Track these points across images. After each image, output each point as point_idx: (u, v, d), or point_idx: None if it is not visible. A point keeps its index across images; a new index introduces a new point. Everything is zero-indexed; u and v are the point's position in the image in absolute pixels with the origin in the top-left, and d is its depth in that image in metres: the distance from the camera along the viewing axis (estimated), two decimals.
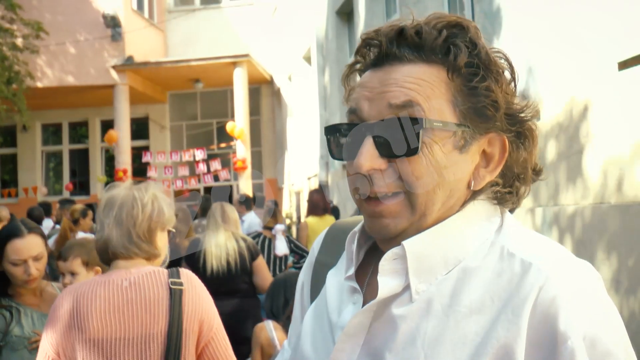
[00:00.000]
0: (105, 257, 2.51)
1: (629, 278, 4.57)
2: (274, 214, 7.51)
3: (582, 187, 5.11)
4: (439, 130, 1.05)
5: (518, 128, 1.11)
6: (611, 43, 4.69)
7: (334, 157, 1.18)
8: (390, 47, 1.10)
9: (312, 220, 8.00)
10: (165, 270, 2.51)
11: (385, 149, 1.06)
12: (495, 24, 6.38)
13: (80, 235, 7.65)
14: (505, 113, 1.09)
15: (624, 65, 4.57)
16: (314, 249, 1.40)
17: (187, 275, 2.53)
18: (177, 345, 2.38)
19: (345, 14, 13.14)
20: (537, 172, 1.19)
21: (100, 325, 2.33)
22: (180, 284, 2.46)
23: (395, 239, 1.10)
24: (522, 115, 1.12)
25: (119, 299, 2.38)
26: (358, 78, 1.19)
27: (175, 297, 2.42)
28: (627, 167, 4.56)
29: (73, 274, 3.57)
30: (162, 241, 2.60)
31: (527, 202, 5.94)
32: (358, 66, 1.19)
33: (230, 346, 2.60)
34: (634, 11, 4.51)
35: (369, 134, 1.08)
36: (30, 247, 3.18)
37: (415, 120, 1.04)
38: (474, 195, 1.12)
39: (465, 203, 1.12)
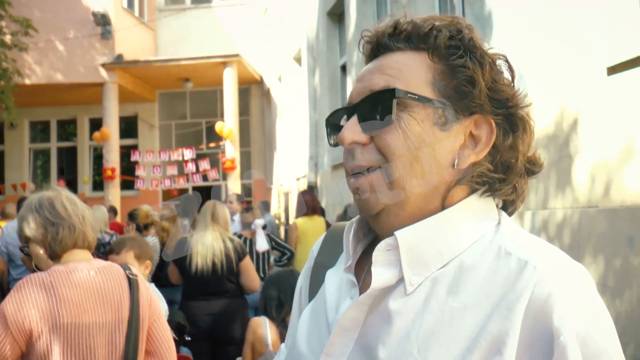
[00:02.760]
0: (66, 247, 2.69)
1: (616, 281, 4.59)
2: (252, 210, 7.51)
3: (571, 191, 5.13)
4: (417, 107, 1.09)
5: (505, 112, 1.13)
6: (600, 48, 4.71)
7: (331, 145, 1.25)
8: (383, 39, 1.17)
9: (302, 221, 8.00)
10: (118, 265, 2.82)
11: (366, 123, 1.12)
12: (487, 27, 6.40)
13: None
14: (490, 97, 1.12)
15: (612, 70, 4.59)
16: (313, 251, 1.42)
17: (135, 270, 2.88)
18: (136, 328, 2.68)
19: (336, 15, 13.14)
20: (532, 163, 1.20)
21: (77, 311, 2.54)
22: (135, 275, 2.79)
23: (384, 220, 1.12)
24: (510, 101, 1.14)
25: (91, 286, 2.61)
26: None
27: (134, 286, 2.73)
28: (614, 171, 4.58)
29: None
30: None
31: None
32: None
33: (167, 325, 2.95)
34: (623, 17, 4.54)
35: (354, 112, 1.15)
36: None
37: (389, 92, 1.09)
38: (461, 178, 1.13)
39: (451, 187, 1.13)
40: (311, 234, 7.76)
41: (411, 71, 1.12)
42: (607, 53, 4.63)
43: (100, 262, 2.77)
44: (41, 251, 2.70)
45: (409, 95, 1.09)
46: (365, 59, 1.23)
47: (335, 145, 1.21)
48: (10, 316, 2.45)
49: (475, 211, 1.13)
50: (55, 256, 2.70)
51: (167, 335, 2.88)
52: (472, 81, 1.10)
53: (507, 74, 1.17)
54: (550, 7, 5.37)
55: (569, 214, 5.15)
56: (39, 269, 2.71)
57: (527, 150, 1.17)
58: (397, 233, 1.09)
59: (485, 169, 1.13)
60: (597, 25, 4.76)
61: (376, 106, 1.10)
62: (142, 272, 4.05)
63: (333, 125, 1.24)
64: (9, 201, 11.30)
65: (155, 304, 2.85)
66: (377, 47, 1.19)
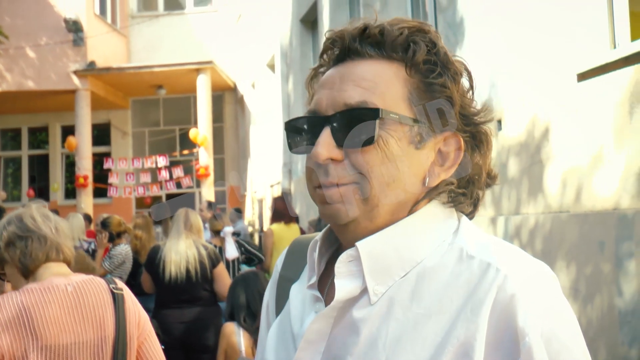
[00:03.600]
0: (37, 262, 2.49)
1: (587, 286, 4.63)
2: (220, 217, 7.49)
3: (543, 197, 5.18)
4: (395, 124, 1.07)
5: (472, 129, 1.14)
6: (570, 55, 4.76)
7: (292, 151, 1.20)
8: (353, 43, 1.13)
9: (278, 227, 7.97)
10: (101, 279, 2.61)
11: (342, 139, 1.08)
12: (458, 34, 6.45)
13: None
14: (460, 113, 1.12)
15: (582, 77, 4.65)
16: (277, 265, 1.40)
17: (121, 283, 2.64)
18: (123, 347, 2.47)
19: (310, 22, 13.17)
20: (491, 177, 1.20)
21: (55, 331, 2.33)
22: (121, 289, 2.58)
23: (352, 231, 1.11)
24: (477, 117, 1.14)
25: (69, 303, 2.40)
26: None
27: (119, 301, 2.52)
28: (585, 177, 4.63)
29: None
30: None
31: (489, 212, 6.00)
32: (322, 69, 1.21)
33: (159, 344, 2.73)
34: (593, 24, 4.59)
35: (327, 125, 1.10)
36: None
37: (371, 111, 1.06)
38: (428, 193, 1.13)
39: (419, 201, 1.13)
40: (287, 240, 7.72)
41: (387, 85, 1.09)
42: (577, 60, 4.68)
43: (79, 277, 2.54)
44: (15, 271, 2.50)
45: (391, 115, 1.07)
46: (322, 60, 1.20)
47: (297, 152, 1.19)
48: None
49: (435, 217, 1.13)
50: (28, 273, 2.48)
51: (158, 355, 2.67)
52: (450, 100, 1.10)
53: (465, 82, 1.16)
54: (521, 14, 5.43)
55: (541, 220, 5.20)
56: None
57: (488, 166, 1.18)
58: (357, 244, 1.08)
59: (453, 185, 1.14)
60: (567, 33, 4.81)
61: (353, 122, 1.07)
62: None
63: (295, 129, 1.19)
64: None
65: (144, 321, 2.63)
66: (345, 51, 1.15)
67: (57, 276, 2.48)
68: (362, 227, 1.10)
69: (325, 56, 1.20)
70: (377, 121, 1.06)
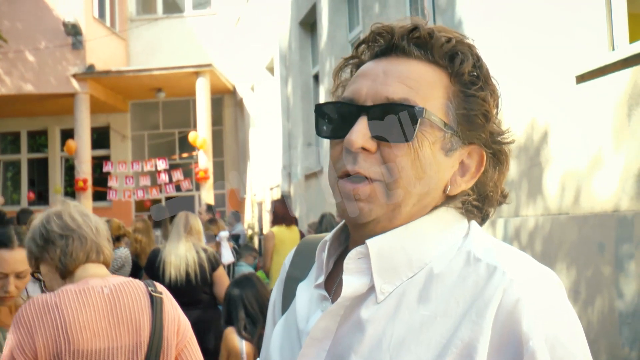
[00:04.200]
0: (77, 262, 2.40)
1: (587, 288, 4.63)
2: (216, 222, 7.50)
3: (542, 199, 5.18)
4: (432, 128, 1.08)
5: (496, 147, 1.16)
6: (569, 57, 4.76)
7: (320, 135, 1.18)
8: (401, 41, 1.14)
9: (279, 230, 7.96)
10: (140, 281, 2.48)
11: (378, 131, 1.08)
12: None
13: None
14: (489, 130, 1.14)
15: (581, 79, 4.65)
16: (285, 265, 1.41)
17: (161, 286, 2.52)
18: (157, 353, 2.35)
19: (309, 24, 13.17)
20: (503, 196, 1.22)
21: (89, 335, 2.24)
22: (160, 293, 2.45)
23: (370, 230, 1.11)
24: (502, 137, 1.17)
25: (104, 306, 2.30)
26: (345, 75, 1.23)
27: (157, 305, 2.39)
28: (584, 179, 4.63)
29: None
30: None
31: None
32: (353, 61, 1.21)
33: (200, 353, 2.59)
34: (591, 25, 4.60)
35: (364, 114, 1.09)
36: (16, 262, 2.79)
37: (414, 109, 1.07)
38: (446, 201, 1.15)
39: (436, 207, 1.14)
40: (288, 242, 7.73)
41: (430, 88, 1.10)
42: (576, 62, 4.68)
43: (117, 279, 2.44)
44: (53, 270, 2.40)
45: (433, 117, 1.08)
46: (359, 50, 1.20)
47: (325, 136, 1.17)
48: (15, 347, 2.19)
49: (446, 221, 1.14)
50: (67, 273, 2.39)
51: None
52: (487, 115, 1.12)
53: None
54: (519, 16, 5.43)
55: (541, 222, 5.20)
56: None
57: (502, 184, 1.20)
58: (367, 241, 1.09)
59: (471, 198, 1.16)
60: (566, 34, 4.82)
61: (392, 117, 1.07)
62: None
63: (325, 114, 1.17)
64: None
65: (184, 327, 2.51)
66: (392, 47, 1.15)
67: (94, 278, 2.38)
68: (381, 226, 1.11)
69: (362, 47, 1.20)
70: (419, 120, 1.06)
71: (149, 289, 2.44)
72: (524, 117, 5.37)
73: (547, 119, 5.07)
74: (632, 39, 4.39)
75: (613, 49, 4.49)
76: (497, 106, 1.17)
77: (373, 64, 1.16)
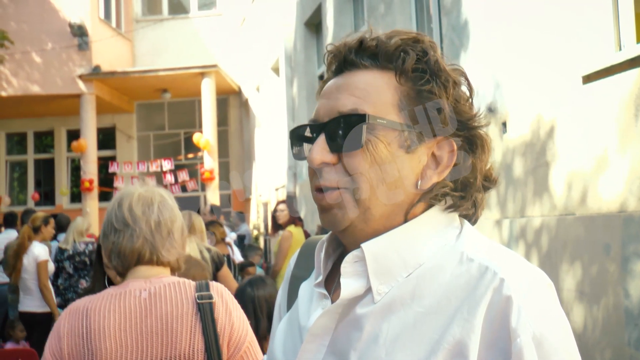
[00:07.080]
0: (126, 262, 2.11)
1: (593, 287, 4.63)
2: (215, 224, 7.47)
3: (548, 199, 5.17)
4: (385, 129, 1.13)
5: (466, 134, 1.18)
6: (575, 57, 4.76)
7: (295, 158, 1.28)
8: (349, 55, 1.20)
9: (296, 230, 7.96)
10: (193, 283, 2.13)
11: (334, 145, 1.15)
12: (463, 37, 6.45)
13: (36, 244, 7.58)
14: (453, 119, 1.16)
15: (587, 79, 4.65)
16: (290, 265, 1.47)
17: (217, 288, 2.14)
18: None
19: (314, 25, 13.18)
20: (490, 180, 1.24)
21: (114, 346, 1.95)
22: (210, 297, 2.07)
23: (350, 235, 1.17)
24: (471, 122, 1.18)
25: (137, 313, 2.00)
26: None
27: (206, 313, 2.04)
28: (590, 179, 4.63)
29: None
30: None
31: (494, 214, 6.00)
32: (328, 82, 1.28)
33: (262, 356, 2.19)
34: (598, 26, 4.59)
35: (322, 131, 1.17)
36: None
37: (360, 117, 1.12)
38: (423, 196, 1.17)
39: (414, 204, 1.17)
40: (299, 243, 7.71)
41: (378, 92, 1.15)
42: (582, 62, 4.68)
43: (162, 280, 2.10)
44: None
45: (378, 120, 1.12)
46: (328, 73, 1.26)
47: (300, 159, 1.26)
48: (48, 349, 2.00)
49: (437, 222, 1.18)
50: (120, 273, 2.13)
51: None
52: (438, 107, 1.14)
53: (464, 89, 1.21)
54: (525, 16, 5.43)
55: (546, 222, 5.19)
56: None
57: (484, 168, 1.22)
58: (363, 245, 1.14)
59: (448, 188, 1.18)
60: (572, 35, 4.81)
61: (344, 128, 1.13)
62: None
63: (298, 137, 1.25)
64: None
65: (237, 337, 2.12)
66: (343, 63, 1.21)
67: (136, 279, 2.08)
68: (359, 230, 1.16)
69: (327, 67, 1.26)
70: (365, 126, 1.12)
71: (197, 293, 2.07)
72: (530, 117, 5.37)
73: (553, 119, 5.07)
74: (639, 40, 4.39)
75: (620, 49, 4.48)
76: (471, 93, 1.20)
77: (330, 83, 1.22)
